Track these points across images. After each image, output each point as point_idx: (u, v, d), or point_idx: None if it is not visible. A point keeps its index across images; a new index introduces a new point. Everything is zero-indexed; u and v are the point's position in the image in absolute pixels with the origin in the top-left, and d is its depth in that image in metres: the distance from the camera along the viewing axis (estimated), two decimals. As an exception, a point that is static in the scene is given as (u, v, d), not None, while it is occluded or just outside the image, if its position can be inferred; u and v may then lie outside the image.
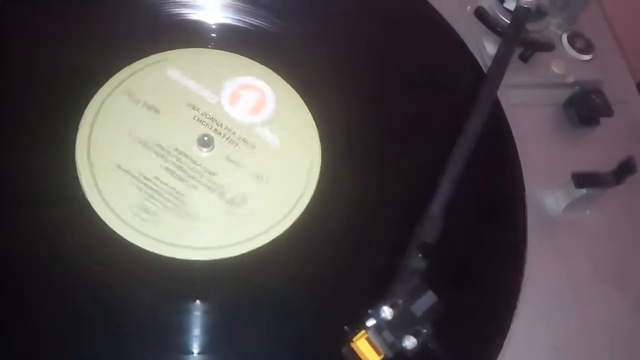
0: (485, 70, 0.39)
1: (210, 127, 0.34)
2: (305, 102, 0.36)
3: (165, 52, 0.35)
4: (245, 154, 0.34)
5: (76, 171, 0.31)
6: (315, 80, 0.36)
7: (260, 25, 0.37)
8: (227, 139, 0.34)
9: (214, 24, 0.37)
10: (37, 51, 0.34)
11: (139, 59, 0.35)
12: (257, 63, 0.36)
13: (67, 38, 0.35)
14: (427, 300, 0.28)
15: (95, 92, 0.33)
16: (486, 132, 0.33)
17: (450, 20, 0.40)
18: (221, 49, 0.36)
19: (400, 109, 0.36)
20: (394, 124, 0.36)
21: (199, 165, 0.33)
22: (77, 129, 0.32)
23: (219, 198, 0.32)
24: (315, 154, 0.34)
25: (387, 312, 0.27)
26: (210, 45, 0.37)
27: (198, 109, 0.34)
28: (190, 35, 0.36)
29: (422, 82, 0.38)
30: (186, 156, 0.33)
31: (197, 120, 0.34)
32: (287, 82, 0.36)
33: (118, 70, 0.34)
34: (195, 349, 0.29)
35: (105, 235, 0.30)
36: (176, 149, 0.33)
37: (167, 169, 0.32)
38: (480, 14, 0.41)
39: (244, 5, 0.38)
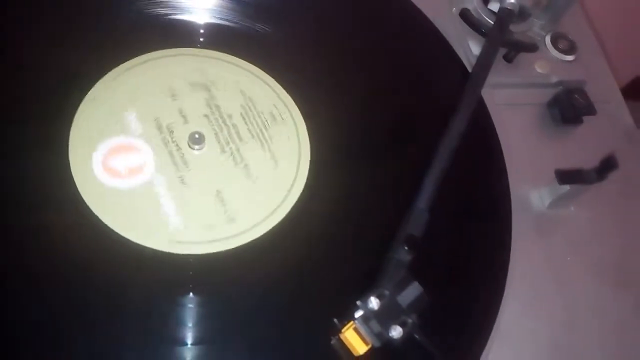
0: (470, 70, 0.39)
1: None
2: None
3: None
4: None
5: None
6: (290, 72, 0.37)
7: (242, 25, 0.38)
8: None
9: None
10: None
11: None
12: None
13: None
14: (412, 291, 0.28)
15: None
16: (471, 131, 0.33)
17: (435, 22, 0.41)
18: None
19: (386, 107, 0.37)
20: (378, 122, 0.36)
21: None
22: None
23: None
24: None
25: (374, 302, 0.28)
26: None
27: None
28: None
29: (407, 82, 0.38)
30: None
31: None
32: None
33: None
34: (189, 340, 0.29)
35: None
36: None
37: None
38: (465, 16, 0.42)
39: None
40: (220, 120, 0.35)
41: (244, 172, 0.34)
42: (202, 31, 0.38)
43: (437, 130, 0.33)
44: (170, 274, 0.31)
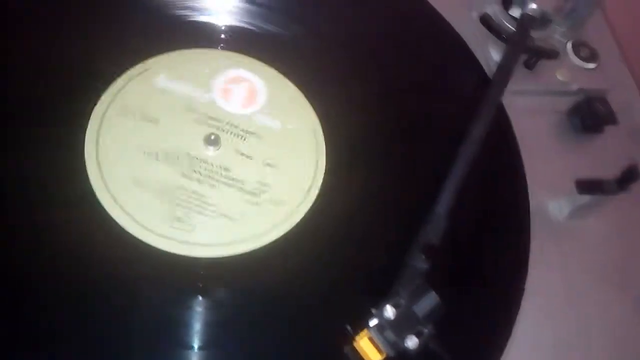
0: (490, 76, 0.39)
1: (212, 126, 0.34)
2: (295, 84, 0.36)
3: (145, 61, 0.35)
4: (254, 145, 0.34)
5: (95, 196, 0.31)
6: (309, 69, 0.37)
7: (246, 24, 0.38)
8: (232, 133, 0.34)
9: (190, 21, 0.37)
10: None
11: (120, 74, 0.34)
12: (236, 54, 0.37)
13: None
14: (429, 301, 0.28)
15: (89, 115, 0.33)
16: (491, 138, 0.33)
17: (455, 26, 0.40)
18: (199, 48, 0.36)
19: (405, 111, 0.36)
20: (396, 126, 0.36)
21: (212, 164, 0.33)
22: (82, 155, 0.32)
23: (239, 191, 0.32)
24: (317, 132, 0.35)
25: (389, 311, 0.27)
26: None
27: (195, 111, 0.34)
28: (166, 40, 0.36)
29: (427, 86, 0.38)
30: (197, 159, 0.33)
31: (198, 122, 0.34)
32: (270, 65, 0.37)
33: (103, 92, 0.34)
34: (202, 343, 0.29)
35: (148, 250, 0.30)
36: (187, 154, 0.33)
37: (183, 174, 0.32)
38: (486, 21, 0.41)
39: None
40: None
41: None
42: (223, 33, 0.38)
43: (457, 136, 0.33)
44: (182, 275, 0.30)
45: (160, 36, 0.36)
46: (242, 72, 0.36)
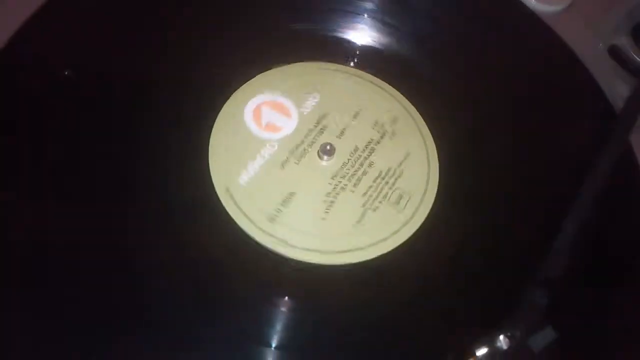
0: (616, 110, 0.38)
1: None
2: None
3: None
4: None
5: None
6: (434, 100, 0.37)
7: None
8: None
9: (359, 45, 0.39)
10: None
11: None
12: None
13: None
14: (546, 336, 0.27)
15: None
16: (616, 176, 0.32)
17: (581, 57, 0.39)
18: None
19: (526, 144, 0.36)
20: (515, 157, 0.36)
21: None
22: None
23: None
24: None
25: (502, 341, 0.27)
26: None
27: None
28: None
29: (551, 117, 0.37)
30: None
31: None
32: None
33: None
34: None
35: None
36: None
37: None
38: (615, 52, 0.40)
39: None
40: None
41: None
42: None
43: (579, 170, 0.32)
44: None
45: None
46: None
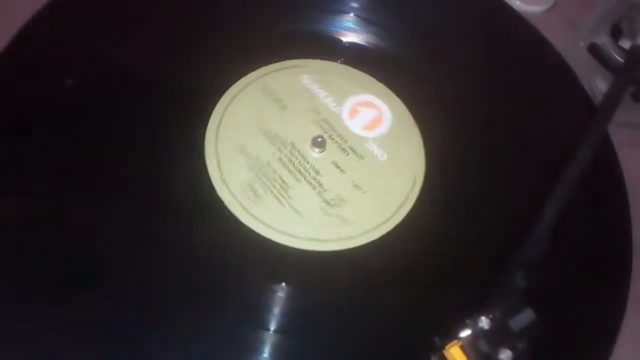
0: (595, 104, 0.39)
1: (325, 131, 0.37)
2: (417, 124, 0.38)
3: (301, 59, 0.39)
4: (352, 163, 0.36)
5: (203, 143, 0.35)
6: (430, 102, 0.38)
7: (385, 47, 0.40)
8: (339, 145, 0.36)
9: (347, 43, 0.40)
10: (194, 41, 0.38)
11: (277, 62, 0.39)
12: (379, 83, 0.39)
13: (221, 34, 0.39)
14: (525, 317, 0.28)
15: (235, 82, 0.38)
16: (594, 166, 0.33)
17: (562, 53, 0.41)
18: (349, 66, 0.39)
19: (509, 137, 0.37)
20: (500, 151, 0.37)
21: (308, 163, 0.35)
22: (211, 110, 0.36)
23: (318, 195, 0.35)
24: (419, 173, 0.36)
25: (484, 322, 0.28)
26: (340, 60, 0.40)
27: (319, 114, 0.37)
28: (323, 48, 0.40)
29: (533, 114, 0.38)
30: (299, 152, 0.36)
31: (316, 123, 0.37)
32: (404, 102, 0.38)
33: (257, 68, 0.38)
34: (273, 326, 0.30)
35: (218, 205, 0.33)
36: (292, 144, 0.36)
37: (279, 159, 0.35)
38: (594, 50, 0.41)
39: (374, 29, 0.41)
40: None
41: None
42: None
43: (560, 162, 0.33)
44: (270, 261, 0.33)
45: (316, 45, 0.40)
46: (375, 100, 0.39)
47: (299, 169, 0.35)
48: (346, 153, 0.36)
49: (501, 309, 0.28)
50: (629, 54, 0.40)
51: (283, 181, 0.35)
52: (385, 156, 0.36)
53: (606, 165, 0.36)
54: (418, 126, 0.38)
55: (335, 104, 0.38)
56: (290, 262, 0.32)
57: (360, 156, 0.36)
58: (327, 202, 0.34)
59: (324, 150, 0.36)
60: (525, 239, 0.30)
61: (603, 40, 0.42)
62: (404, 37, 0.40)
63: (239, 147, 0.35)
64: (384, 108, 0.38)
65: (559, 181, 0.32)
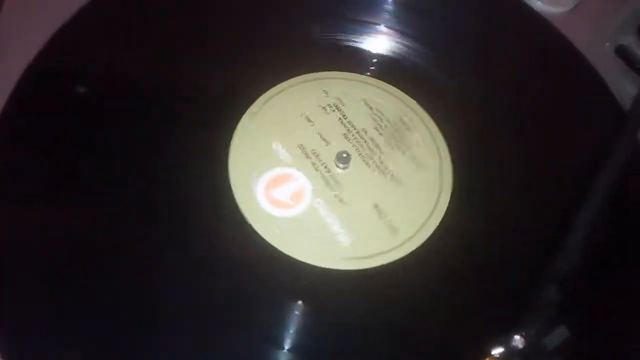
0: (624, 110, 0.38)
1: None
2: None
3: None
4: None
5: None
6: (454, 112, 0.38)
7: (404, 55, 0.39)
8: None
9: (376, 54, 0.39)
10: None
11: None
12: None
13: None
14: (560, 334, 0.27)
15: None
16: (625, 173, 0.32)
17: (589, 57, 0.40)
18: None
19: (536, 144, 0.36)
20: (527, 159, 0.36)
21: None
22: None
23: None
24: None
25: (518, 341, 0.27)
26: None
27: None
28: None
29: (560, 118, 0.37)
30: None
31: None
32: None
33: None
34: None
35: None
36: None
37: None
38: (622, 52, 0.40)
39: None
40: (357, 136, 0.36)
41: (392, 182, 0.35)
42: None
43: (589, 168, 0.33)
44: (347, 291, 0.32)
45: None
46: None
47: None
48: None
49: (535, 326, 0.27)
50: (657, 54, 0.39)
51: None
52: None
53: (638, 171, 0.35)
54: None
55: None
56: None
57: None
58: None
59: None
60: (558, 251, 0.29)
61: (630, 40, 0.40)
62: (423, 44, 0.39)
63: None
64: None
65: (591, 190, 0.32)
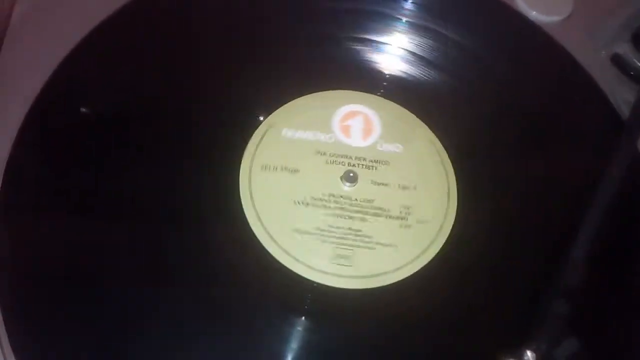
0: (622, 117, 0.38)
1: (344, 163, 0.36)
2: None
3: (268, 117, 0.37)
4: (385, 172, 0.36)
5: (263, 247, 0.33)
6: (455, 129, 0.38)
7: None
8: (363, 166, 0.36)
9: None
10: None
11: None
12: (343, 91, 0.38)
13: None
14: (569, 346, 0.28)
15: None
16: (626, 181, 0.33)
17: (584, 65, 0.40)
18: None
19: (535, 156, 0.37)
20: (528, 170, 0.36)
21: (355, 199, 0.35)
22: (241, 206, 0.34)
23: (387, 219, 0.34)
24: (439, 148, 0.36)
25: (529, 355, 0.27)
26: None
27: (325, 153, 0.36)
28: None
29: (556, 126, 0.38)
30: (342, 197, 0.35)
31: (330, 162, 0.36)
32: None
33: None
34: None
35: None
36: (331, 194, 0.35)
37: (334, 214, 0.34)
38: (617, 60, 0.40)
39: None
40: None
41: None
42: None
43: (590, 177, 0.33)
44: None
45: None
46: (352, 107, 0.38)
47: (356, 210, 0.34)
48: (374, 168, 0.36)
49: (545, 340, 0.28)
50: (652, 61, 0.39)
51: (354, 230, 0.34)
52: (400, 146, 0.36)
53: (637, 178, 0.35)
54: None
55: (326, 135, 0.37)
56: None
57: (385, 162, 0.36)
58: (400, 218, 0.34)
59: (356, 182, 0.35)
60: (564, 265, 0.30)
61: (625, 48, 0.41)
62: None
63: (294, 230, 0.34)
64: (363, 108, 0.38)
65: (593, 201, 0.32)
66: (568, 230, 0.31)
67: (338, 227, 0.34)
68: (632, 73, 0.40)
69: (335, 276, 0.32)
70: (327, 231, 0.34)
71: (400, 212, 0.34)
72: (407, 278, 0.32)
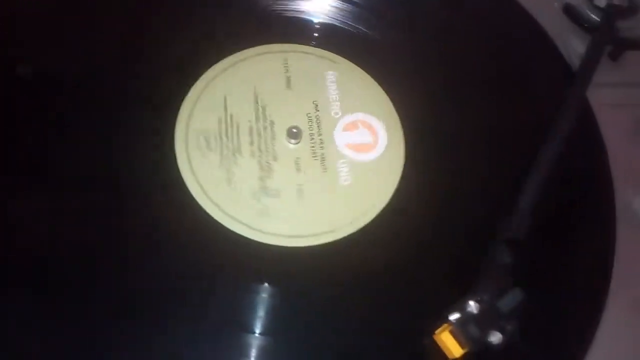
0: (573, 69, 0.38)
1: (310, 128, 0.35)
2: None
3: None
4: (313, 170, 0.34)
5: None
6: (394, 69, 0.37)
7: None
8: (312, 148, 0.34)
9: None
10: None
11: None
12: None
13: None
14: (514, 297, 0.27)
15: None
16: (574, 132, 0.32)
17: (536, 16, 0.39)
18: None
19: (484, 106, 0.36)
20: (474, 120, 0.35)
21: (273, 146, 0.34)
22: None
23: (259, 178, 0.33)
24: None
25: (473, 306, 0.27)
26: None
27: (317, 111, 0.35)
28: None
29: (508, 80, 0.37)
30: (272, 132, 0.34)
31: (308, 117, 0.35)
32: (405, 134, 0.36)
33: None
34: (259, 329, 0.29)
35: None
36: (271, 122, 0.34)
37: (250, 128, 0.34)
38: (569, 11, 0.40)
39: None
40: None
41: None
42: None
43: (540, 130, 0.32)
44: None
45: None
46: (378, 127, 0.36)
47: (260, 146, 0.34)
48: (315, 158, 0.34)
49: (489, 291, 0.27)
50: (604, 12, 0.39)
51: (239, 148, 0.33)
52: (349, 182, 0.34)
53: (587, 130, 0.35)
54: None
55: (338, 111, 0.35)
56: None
57: (325, 169, 0.34)
58: (264, 188, 0.33)
59: (296, 143, 0.34)
60: (509, 214, 0.29)
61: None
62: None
63: (223, 96, 0.34)
64: (382, 141, 0.35)
65: (541, 151, 0.32)
66: (515, 180, 0.31)
67: (237, 133, 0.34)
68: (585, 25, 0.40)
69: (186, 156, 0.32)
70: (231, 124, 0.34)
71: (271, 189, 0.33)
72: (354, 233, 0.32)
